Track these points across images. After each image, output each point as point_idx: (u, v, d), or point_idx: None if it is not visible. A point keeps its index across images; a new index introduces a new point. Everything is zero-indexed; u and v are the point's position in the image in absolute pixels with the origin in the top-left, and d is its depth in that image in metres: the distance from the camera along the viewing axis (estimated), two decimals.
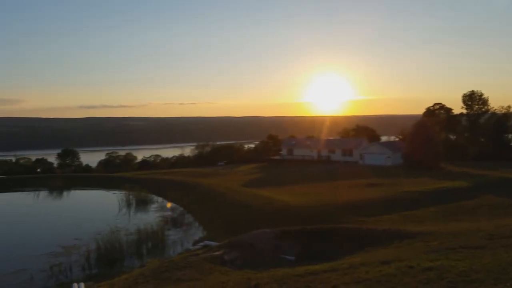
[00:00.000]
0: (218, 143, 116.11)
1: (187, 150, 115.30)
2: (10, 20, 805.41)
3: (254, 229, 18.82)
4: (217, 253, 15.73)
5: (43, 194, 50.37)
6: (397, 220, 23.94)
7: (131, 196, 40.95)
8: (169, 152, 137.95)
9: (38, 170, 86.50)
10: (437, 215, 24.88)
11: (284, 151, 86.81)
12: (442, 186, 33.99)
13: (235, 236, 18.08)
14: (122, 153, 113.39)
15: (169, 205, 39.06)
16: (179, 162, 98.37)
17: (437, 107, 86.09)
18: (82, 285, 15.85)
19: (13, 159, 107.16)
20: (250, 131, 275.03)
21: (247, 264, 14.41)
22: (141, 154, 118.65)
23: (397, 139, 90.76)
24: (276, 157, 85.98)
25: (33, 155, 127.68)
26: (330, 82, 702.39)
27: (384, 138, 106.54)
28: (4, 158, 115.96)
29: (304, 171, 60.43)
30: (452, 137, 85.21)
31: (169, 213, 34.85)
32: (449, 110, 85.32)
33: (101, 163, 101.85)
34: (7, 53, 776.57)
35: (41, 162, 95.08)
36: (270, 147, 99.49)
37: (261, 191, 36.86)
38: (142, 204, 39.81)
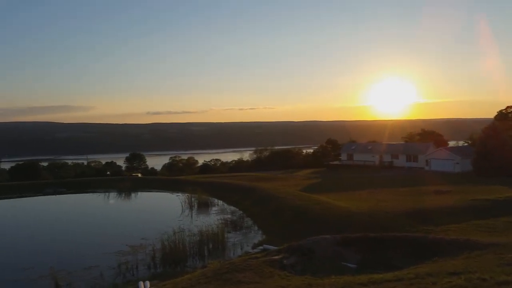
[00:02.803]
0: (276, 147, 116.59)
1: (246, 155, 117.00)
2: (80, 33, 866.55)
3: (313, 235, 18.61)
4: (276, 257, 15.71)
5: (112, 195, 53.39)
6: (466, 229, 22.53)
7: (193, 199, 42.19)
8: (228, 156, 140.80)
9: (108, 172, 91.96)
10: (510, 226, 23.08)
11: (343, 156, 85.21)
12: None
13: (294, 241, 17.97)
14: (184, 157, 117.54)
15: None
16: (238, 166, 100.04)
17: (510, 110, 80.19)
18: (148, 283, 16.57)
19: (85, 162, 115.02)
20: (309, 135, 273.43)
21: (307, 269, 14.26)
22: (202, 158, 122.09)
23: (466, 144, 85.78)
24: (336, 162, 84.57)
25: (103, 158, 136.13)
26: (393, 85, 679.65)
27: (452, 143, 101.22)
28: (77, 161, 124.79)
29: (365, 176, 58.86)
30: None
31: (229, 216, 35.50)
32: None
33: (165, 166, 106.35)
34: (80, 64, 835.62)
35: (111, 165, 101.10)
36: (329, 152, 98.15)
37: (320, 196, 36.38)
38: (204, 206, 40.88)
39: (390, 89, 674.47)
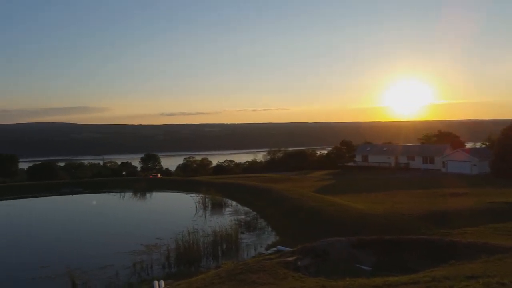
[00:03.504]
0: (290, 149, 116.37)
1: (260, 156, 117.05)
2: (95, 35, 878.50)
3: (327, 237, 18.49)
4: (290, 258, 15.64)
5: (127, 195, 53.92)
6: (484, 233, 22.12)
7: (207, 199, 42.36)
8: (242, 157, 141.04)
9: (123, 173, 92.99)
10: None
11: (358, 158, 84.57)
12: None
13: (308, 243, 17.88)
14: (198, 158, 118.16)
15: None
16: (252, 167, 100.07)
17: None
18: (163, 282, 16.69)
19: (101, 163, 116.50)
20: (323, 137, 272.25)
21: (321, 271, 14.17)
22: (216, 159, 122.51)
23: (484, 145, 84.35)
24: (350, 164, 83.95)
25: (119, 159, 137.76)
26: (409, 86, 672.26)
27: (469, 145, 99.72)
28: (93, 161, 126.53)
29: (381, 178, 58.31)
30: None
31: (243, 217, 35.51)
32: None
33: (179, 167, 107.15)
34: (95, 66, 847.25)
35: (126, 165, 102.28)
36: (343, 154, 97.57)
37: (334, 198, 36.17)
38: (217, 207, 41.02)
39: (406, 90, 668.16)
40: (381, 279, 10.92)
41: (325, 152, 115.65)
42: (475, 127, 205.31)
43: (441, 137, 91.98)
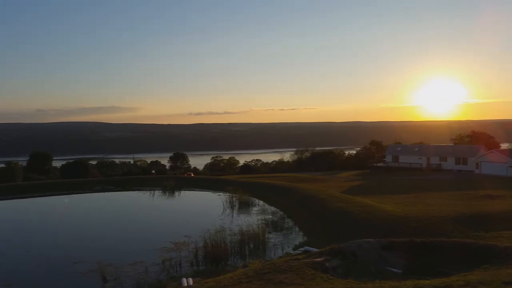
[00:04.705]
0: (317, 148, 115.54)
1: (287, 156, 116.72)
2: (126, 36, 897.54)
3: (356, 238, 18.20)
4: (318, 259, 15.47)
5: (157, 193, 54.89)
6: None
7: (234, 198, 42.56)
8: (269, 157, 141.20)
9: (153, 171, 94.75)
10: None
11: (388, 158, 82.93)
12: None
13: (336, 244, 17.66)
14: (225, 157, 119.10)
15: None
16: (279, 167, 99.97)
17: None
18: (191, 280, 16.89)
19: (132, 161, 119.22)
20: (352, 137, 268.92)
21: (350, 273, 13.96)
22: (243, 158, 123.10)
23: None
24: (380, 164, 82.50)
25: (149, 157, 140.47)
26: (442, 84, 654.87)
27: (504, 146, 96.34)
28: (124, 160, 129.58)
29: (412, 179, 57.01)
30: None
31: (270, 216, 35.49)
32: None
33: (207, 166, 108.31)
34: (128, 67, 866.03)
35: (155, 164, 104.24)
36: (373, 154, 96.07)
37: (364, 199, 35.60)
38: (245, 206, 41.15)
39: (438, 89, 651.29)
40: (411, 282, 10.67)
41: (354, 152, 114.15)
42: (511, 127, 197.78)
43: (474, 138, 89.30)
